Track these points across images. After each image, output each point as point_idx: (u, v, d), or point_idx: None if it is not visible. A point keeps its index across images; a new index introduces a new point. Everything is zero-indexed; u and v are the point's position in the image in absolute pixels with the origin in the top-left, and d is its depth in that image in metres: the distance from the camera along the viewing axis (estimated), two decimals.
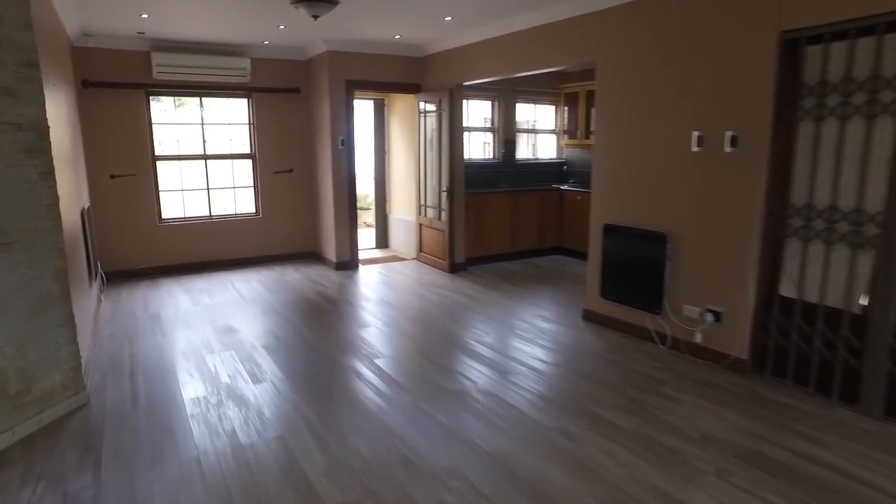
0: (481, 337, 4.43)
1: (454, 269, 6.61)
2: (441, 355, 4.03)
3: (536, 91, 7.81)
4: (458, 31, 5.72)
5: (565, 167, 8.21)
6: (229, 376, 3.64)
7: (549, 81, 7.80)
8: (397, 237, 7.87)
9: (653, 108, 4.14)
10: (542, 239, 7.53)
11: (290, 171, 7.07)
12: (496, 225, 7.09)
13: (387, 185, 7.95)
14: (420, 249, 7.18)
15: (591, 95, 7.33)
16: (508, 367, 3.83)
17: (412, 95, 6.96)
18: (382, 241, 8.10)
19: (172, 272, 6.50)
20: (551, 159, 8.27)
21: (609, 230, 4.56)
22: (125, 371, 3.72)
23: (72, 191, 3.95)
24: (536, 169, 8.09)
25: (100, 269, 5.66)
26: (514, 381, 3.59)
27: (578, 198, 7.25)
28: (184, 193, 6.63)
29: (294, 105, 6.94)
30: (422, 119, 6.88)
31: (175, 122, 6.59)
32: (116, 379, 3.59)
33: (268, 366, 3.81)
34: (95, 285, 5.05)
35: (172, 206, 6.62)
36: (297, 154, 7.09)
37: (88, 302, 4.35)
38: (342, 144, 6.51)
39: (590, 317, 4.84)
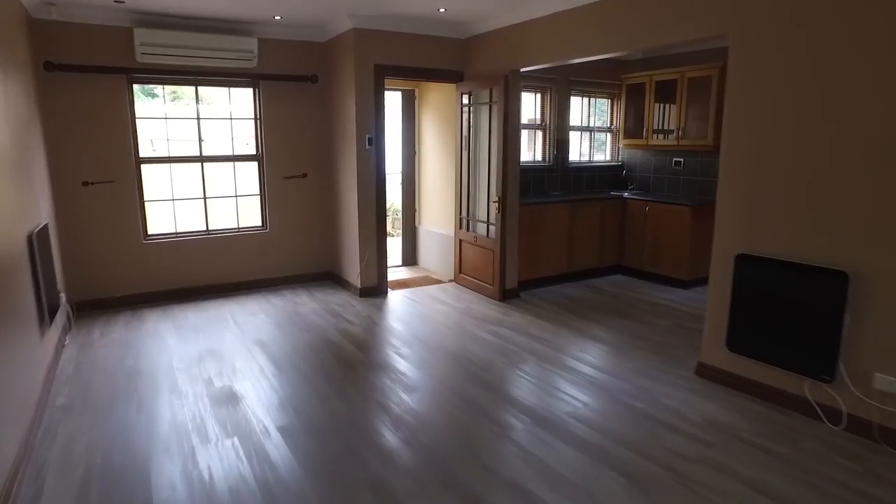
0: (576, 408, 3.23)
1: (505, 296, 5.42)
2: (528, 441, 2.83)
3: (592, 82, 6.61)
4: (518, 1, 4.52)
5: (624, 171, 7.01)
6: (231, 490, 2.44)
7: (606, 71, 6.60)
8: (429, 253, 6.68)
9: (827, 97, 2.94)
10: (602, 257, 6.33)
11: (304, 175, 5.87)
12: (551, 241, 5.90)
13: (416, 191, 6.75)
14: (459, 270, 5.98)
15: (662, 87, 6.14)
16: (635, 465, 2.63)
17: (452, 85, 5.77)
18: (411, 257, 6.91)
19: (160, 301, 5.30)
20: (607, 162, 7.07)
21: (745, 262, 3.36)
22: (75, 480, 2.52)
23: (7, 210, 2.76)
24: (591, 174, 6.89)
25: (64, 302, 4.47)
26: (658, 497, 2.40)
27: (646, 208, 6.06)
28: (175, 204, 5.45)
29: (310, 96, 5.74)
30: (464, 113, 5.69)
31: (165, 116, 5.40)
32: (58, 501, 2.40)
33: (287, 468, 2.61)
34: (55, 329, 3.86)
35: (161, 220, 5.43)
36: (312, 156, 5.89)
37: (37, 360, 3.16)
38: (370, 144, 5.31)
39: (708, 373, 3.65)
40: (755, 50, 3.25)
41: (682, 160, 6.31)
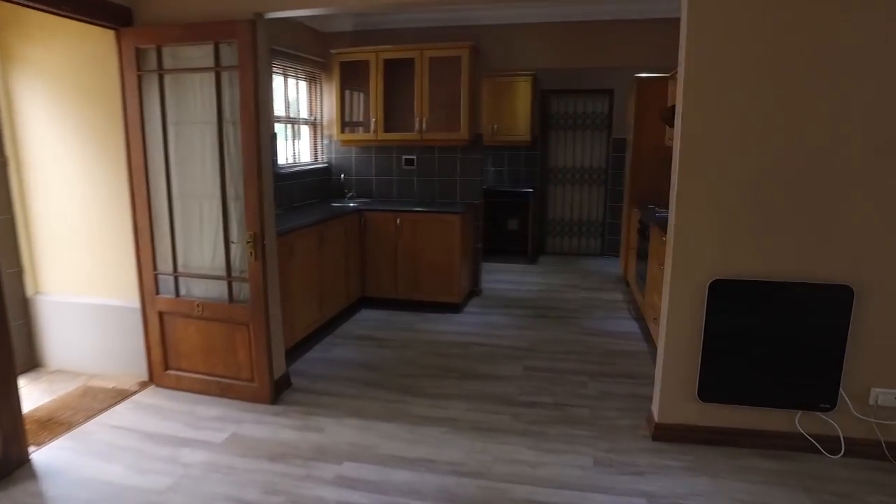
0: None
1: (277, 392, 3.29)
2: None
3: (292, 55, 4.79)
4: None
5: (342, 176, 5.46)
6: None
7: (308, 43, 4.93)
8: (69, 342, 3.60)
9: (834, 72, 2.43)
10: (349, 292, 4.75)
11: None
12: (302, 284, 3.97)
13: (19, 232, 3.51)
14: (166, 365, 3.38)
15: (393, 67, 4.94)
16: None
17: (104, 32, 3.06)
18: (26, 355, 3.59)
19: None
20: (312, 164, 5.37)
21: (724, 290, 2.65)
22: None
23: None
24: (302, 180, 5.08)
25: None
26: None
27: (398, 221, 4.79)
28: None
29: None
30: (143, 87, 3.10)
31: None
32: None
33: None
34: None
35: None
36: None
37: None
38: None
39: (673, 435, 2.84)
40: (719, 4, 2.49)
41: (414, 158, 5.28)
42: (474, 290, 5.35)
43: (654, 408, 2.93)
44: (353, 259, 4.76)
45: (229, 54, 2.97)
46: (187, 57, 3.06)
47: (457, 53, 4.69)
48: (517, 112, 6.46)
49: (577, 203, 7.08)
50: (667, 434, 2.85)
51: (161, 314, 3.34)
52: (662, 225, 3.95)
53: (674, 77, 5.01)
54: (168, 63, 3.08)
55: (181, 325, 3.32)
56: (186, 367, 3.36)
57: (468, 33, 4.88)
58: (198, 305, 3.24)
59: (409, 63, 4.81)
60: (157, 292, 3.32)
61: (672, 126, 4.81)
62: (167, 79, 3.10)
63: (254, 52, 2.90)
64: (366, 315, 4.86)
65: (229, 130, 3.04)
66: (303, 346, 4.04)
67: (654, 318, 3.90)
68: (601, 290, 5.61)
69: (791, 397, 2.69)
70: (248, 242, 3.05)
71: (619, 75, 6.46)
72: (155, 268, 3.29)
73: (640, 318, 4.65)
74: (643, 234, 4.57)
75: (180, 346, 3.35)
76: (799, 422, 2.71)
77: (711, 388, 2.76)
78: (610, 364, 3.81)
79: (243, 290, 3.19)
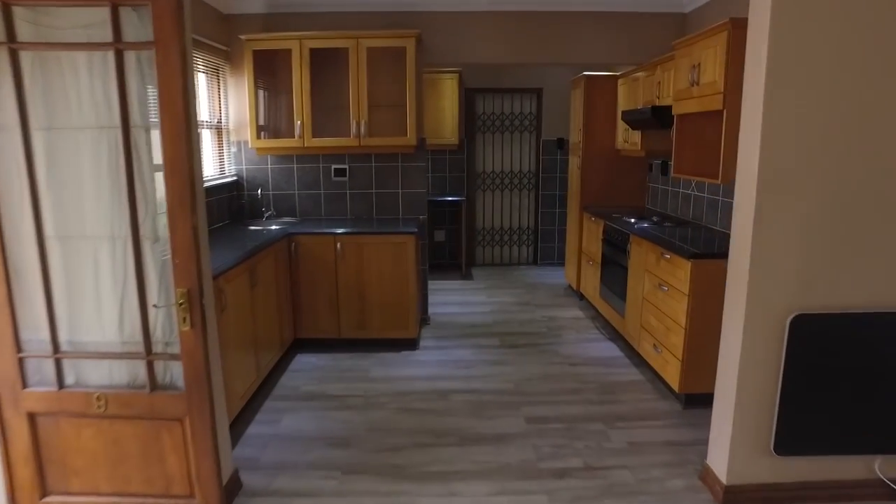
0: None
1: (228, 499, 2.35)
2: None
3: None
4: None
5: (259, 191, 4.40)
6: None
7: (209, 25, 3.88)
8: None
9: None
10: (283, 336, 3.80)
11: None
12: (236, 339, 2.99)
13: None
14: (41, 489, 2.26)
15: (322, 58, 4.06)
16: None
17: None
18: None
19: None
20: (219, 178, 4.26)
21: (807, 326, 2.23)
22: None
23: None
24: (207, 198, 3.93)
25: None
26: None
27: (338, 246, 3.93)
28: None
29: None
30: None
31: None
32: None
33: None
34: None
35: None
36: None
37: None
38: None
39: (744, 497, 2.39)
40: None
41: (346, 168, 4.40)
42: (424, 319, 4.63)
43: (717, 466, 2.46)
44: (283, 295, 3.81)
45: (136, 25, 1.98)
46: (63, 25, 2.00)
47: (401, 44, 3.92)
48: (444, 113, 5.81)
49: (507, 210, 6.61)
50: (738, 497, 2.40)
51: (32, 416, 2.21)
52: (652, 238, 3.56)
53: (625, 76, 4.69)
54: (26, 33, 1.99)
55: (70, 430, 2.22)
56: (80, 489, 2.27)
57: (407, 21, 4.14)
58: (98, 398, 2.18)
59: (339, 54, 3.96)
60: (25, 384, 2.19)
61: (634, 128, 4.50)
62: (26, 58, 2.01)
63: (180, 22, 1.94)
64: (304, 362, 3.92)
65: (142, 140, 2.05)
66: (242, 418, 3.06)
67: (654, 345, 3.49)
68: (556, 306, 5.16)
69: (872, 441, 2.36)
70: (179, 304, 2.08)
71: (548, 74, 6.08)
72: (18, 347, 2.16)
73: (617, 339, 4.25)
74: (615, 245, 4.17)
75: (69, 459, 2.25)
76: (879, 467, 2.40)
77: (790, 439, 2.34)
78: (615, 402, 3.32)
79: (171, 371, 2.20)
